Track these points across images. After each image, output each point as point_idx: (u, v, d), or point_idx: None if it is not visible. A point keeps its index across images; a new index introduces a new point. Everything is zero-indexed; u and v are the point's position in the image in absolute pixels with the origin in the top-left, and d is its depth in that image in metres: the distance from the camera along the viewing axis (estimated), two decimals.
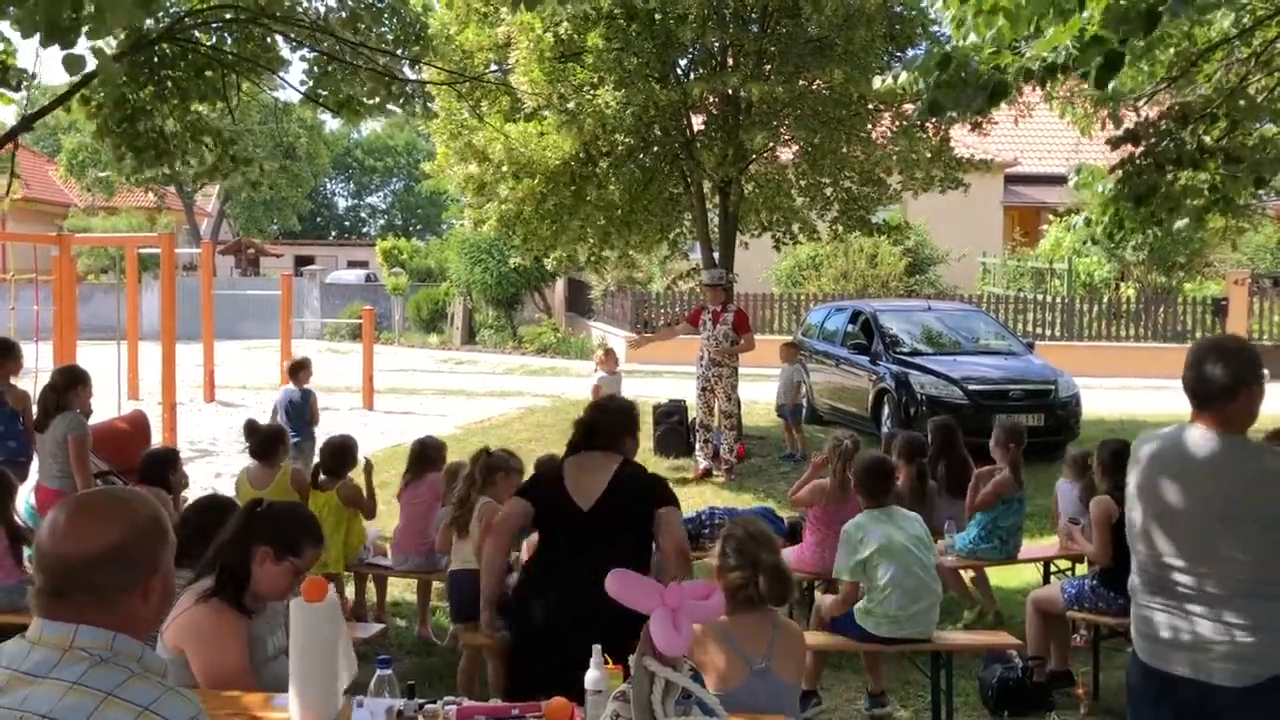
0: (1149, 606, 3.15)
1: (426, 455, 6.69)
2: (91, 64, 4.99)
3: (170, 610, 2.08)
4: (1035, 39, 5.01)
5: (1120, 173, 7.89)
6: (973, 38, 4.99)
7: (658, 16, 10.47)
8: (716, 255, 12.83)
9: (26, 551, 6.85)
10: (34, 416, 6.72)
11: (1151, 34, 4.65)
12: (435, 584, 6.66)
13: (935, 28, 12.08)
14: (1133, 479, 3.22)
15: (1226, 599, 2.98)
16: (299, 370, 9.81)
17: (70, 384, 6.58)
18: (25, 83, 7.14)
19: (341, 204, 67.49)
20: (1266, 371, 3.14)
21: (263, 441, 6.55)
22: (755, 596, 3.50)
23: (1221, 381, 3.03)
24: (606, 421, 4.41)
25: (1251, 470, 3.00)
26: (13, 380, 7.02)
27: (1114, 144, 8.01)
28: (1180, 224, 8.24)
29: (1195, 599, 3.02)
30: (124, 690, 1.83)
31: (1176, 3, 4.34)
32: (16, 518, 5.75)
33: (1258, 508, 2.97)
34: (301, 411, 9.56)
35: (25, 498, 6.81)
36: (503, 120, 12.06)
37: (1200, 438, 3.07)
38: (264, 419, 8.26)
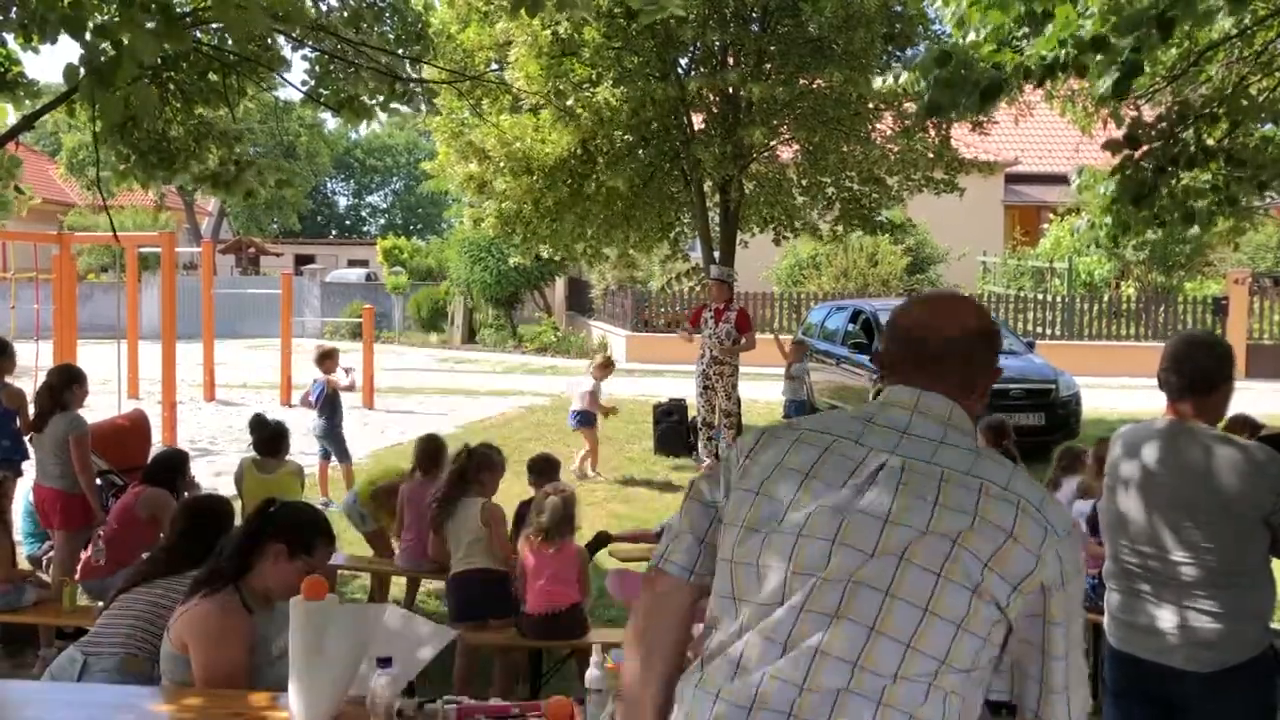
0: (1120, 593, 3.26)
1: (431, 454, 6.53)
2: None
3: None
4: (1035, 37, 4.99)
5: (1119, 175, 7.85)
6: (972, 36, 4.98)
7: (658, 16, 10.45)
8: (717, 254, 12.82)
9: (26, 550, 6.87)
10: (30, 416, 6.70)
11: (1168, 40, 4.63)
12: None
13: (935, 27, 12.08)
14: (1108, 470, 3.33)
15: (1193, 587, 3.07)
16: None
17: (67, 383, 6.55)
18: (28, 94, 7.13)
19: (342, 203, 67.53)
20: (1238, 369, 3.20)
21: (270, 438, 6.71)
22: None
23: (1194, 376, 3.14)
24: None
25: (1219, 461, 3.07)
26: (8, 379, 7.00)
27: (1112, 149, 7.96)
28: (1192, 231, 8.19)
29: (1164, 586, 3.12)
30: (1019, 483, 1.81)
31: (1184, 6, 4.33)
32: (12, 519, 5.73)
33: (1225, 498, 3.05)
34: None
35: (24, 496, 6.81)
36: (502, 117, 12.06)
37: (1172, 430, 3.18)
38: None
